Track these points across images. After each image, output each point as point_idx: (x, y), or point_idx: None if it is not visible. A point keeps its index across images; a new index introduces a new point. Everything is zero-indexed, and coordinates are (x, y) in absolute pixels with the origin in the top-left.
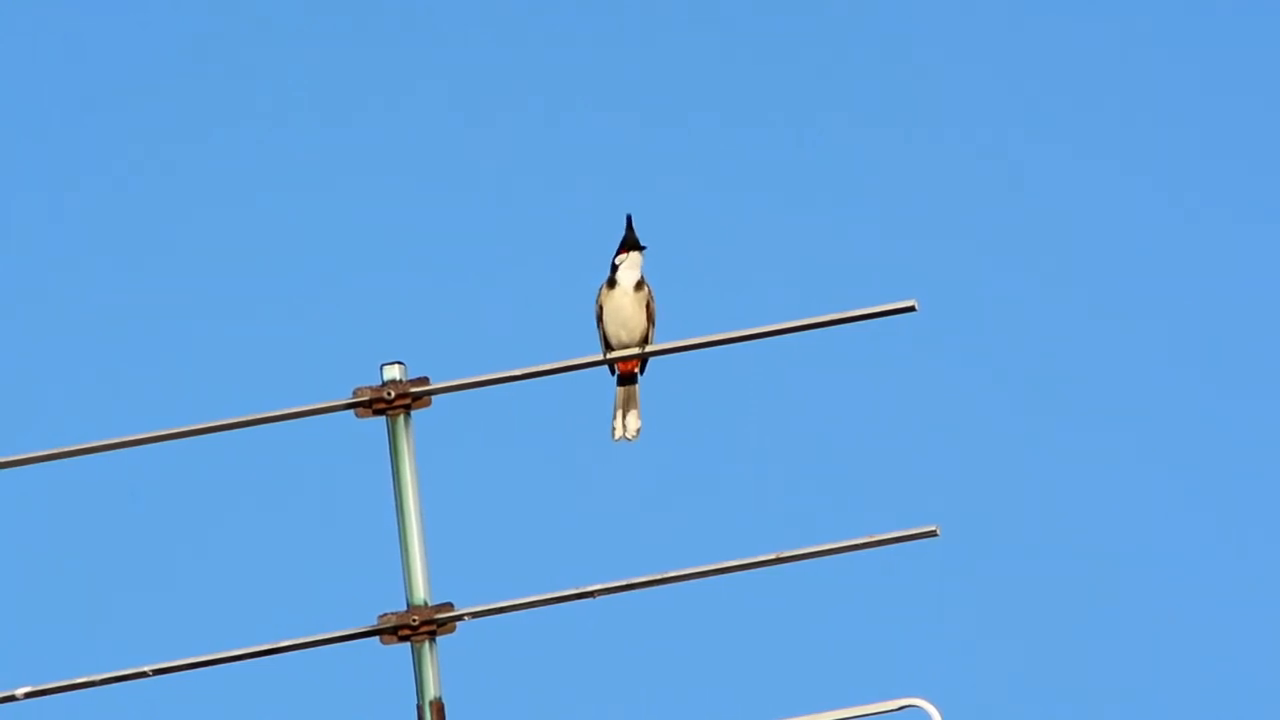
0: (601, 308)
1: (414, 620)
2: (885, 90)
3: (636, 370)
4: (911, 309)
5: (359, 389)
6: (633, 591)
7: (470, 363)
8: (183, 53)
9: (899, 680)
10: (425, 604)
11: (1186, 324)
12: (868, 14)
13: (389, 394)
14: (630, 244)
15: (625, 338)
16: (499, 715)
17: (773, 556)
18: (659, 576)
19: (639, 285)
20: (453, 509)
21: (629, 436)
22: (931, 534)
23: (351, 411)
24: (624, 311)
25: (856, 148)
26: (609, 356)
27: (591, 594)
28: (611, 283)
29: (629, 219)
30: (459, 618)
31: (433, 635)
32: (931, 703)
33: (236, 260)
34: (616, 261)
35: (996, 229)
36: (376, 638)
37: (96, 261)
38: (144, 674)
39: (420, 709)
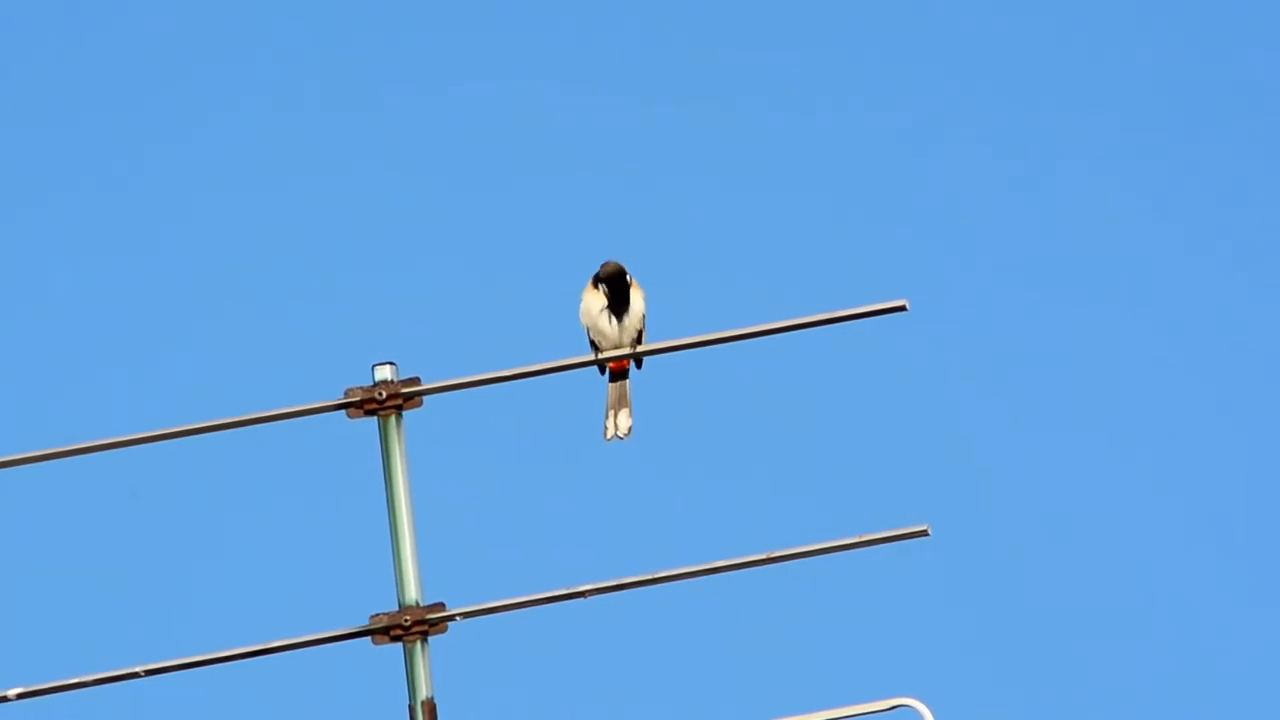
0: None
1: (406, 620)
2: (880, 90)
3: (628, 365)
4: (903, 309)
5: (350, 389)
6: (625, 591)
7: (462, 363)
8: (171, 49)
9: (890, 680)
10: (417, 604)
11: (1178, 324)
12: (864, 11)
13: (380, 394)
14: (608, 285)
15: (606, 346)
16: (491, 715)
17: (764, 556)
18: (651, 576)
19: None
20: (444, 509)
21: (621, 436)
22: (922, 533)
23: (343, 412)
24: (600, 322)
25: (850, 147)
26: (600, 357)
27: (583, 594)
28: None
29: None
30: (451, 618)
31: (424, 635)
32: (923, 702)
33: (228, 261)
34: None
35: (988, 229)
36: (368, 638)
37: (88, 261)
38: (136, 675)
39: (412, 709)
